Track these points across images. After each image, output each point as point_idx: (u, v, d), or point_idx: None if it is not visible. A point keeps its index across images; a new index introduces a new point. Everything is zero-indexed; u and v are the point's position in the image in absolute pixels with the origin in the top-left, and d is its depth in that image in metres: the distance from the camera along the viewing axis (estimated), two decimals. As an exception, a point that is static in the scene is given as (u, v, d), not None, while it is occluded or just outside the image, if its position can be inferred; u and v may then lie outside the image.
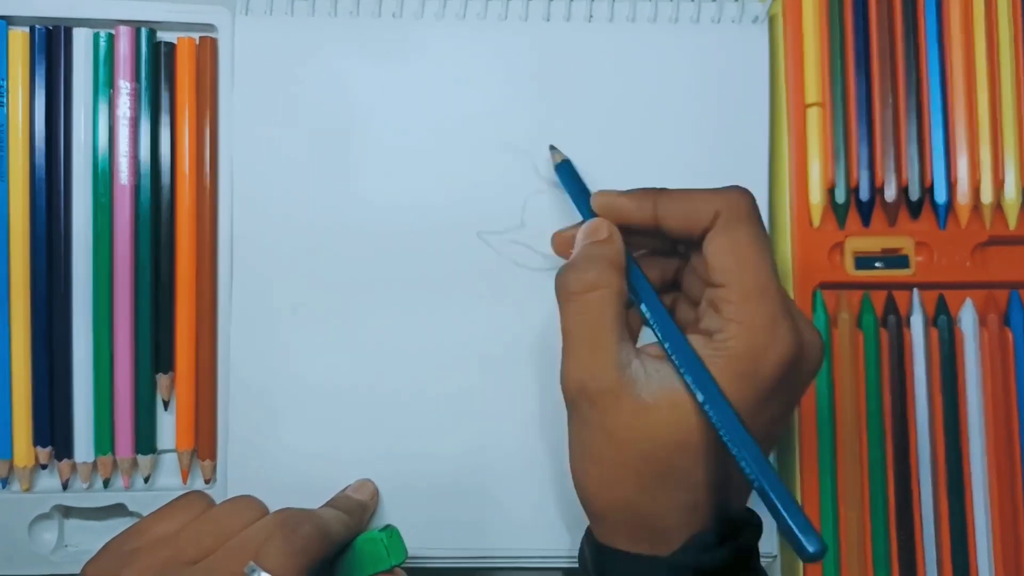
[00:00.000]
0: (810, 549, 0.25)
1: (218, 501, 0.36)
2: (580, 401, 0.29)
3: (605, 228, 0.32)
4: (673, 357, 0.29)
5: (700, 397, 0.28)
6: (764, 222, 0.30)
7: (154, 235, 0.39)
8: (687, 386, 0.28)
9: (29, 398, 0.38)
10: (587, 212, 0.34)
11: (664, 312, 0.30)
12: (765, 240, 0.29)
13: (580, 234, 0.33)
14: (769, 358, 0.28)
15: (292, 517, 0.32)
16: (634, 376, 0.29)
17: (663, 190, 0.32)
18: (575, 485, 0.31)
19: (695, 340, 0.29)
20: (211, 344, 0.39)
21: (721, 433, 0.27)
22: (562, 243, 0.36)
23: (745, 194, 0.30)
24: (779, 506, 0.26)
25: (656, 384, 0.28)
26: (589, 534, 0.32)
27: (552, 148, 0.38)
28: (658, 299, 0.31)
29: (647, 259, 0.34)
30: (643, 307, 0.31)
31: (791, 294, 0.39)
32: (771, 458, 0.39)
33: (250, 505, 0.34)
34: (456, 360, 0.38)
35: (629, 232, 0.32)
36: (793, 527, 0.26)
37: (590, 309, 0.29)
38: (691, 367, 0.28)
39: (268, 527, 0.32)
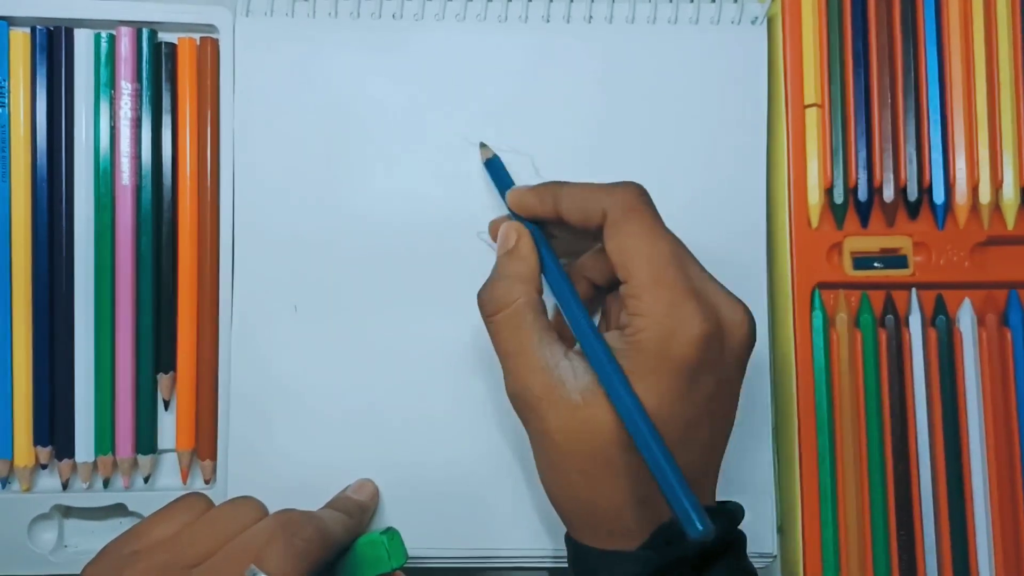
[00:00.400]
0: (691, 534, 0.26)
1: (218, 501, 0.36)
2: (522, 411, 0.31)
3: (514, 234, 0.33)
4: (584, 352, 0.29)
5: (604, 388, 0.28)
6: (657, 211, 0.31)
7: (155, 235, 0.39)
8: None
9: (30, 398, 0.38)
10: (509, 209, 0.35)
11: (576, 308, 0.31)
12: (656, 230, 0.30)
13: (498, 241, 0.34)
14: (677, 344, 0.28)
15: (294, 520, 0.31)
16: (562, 377, 0.29)
17: (563, 185, 0.33)
18: (545, 492, 0.32)
19: (613, 336, 0.30)
20: (212, 344, 0.39)
21: (623, 418, 0.28)
22: (496, 232, 0.37)
23: (629, 189, 0.31)
24: (664, 488, 0.27)
25: (585, 381, 0.29)
26: (568, 538, 0.32)
27: (482, 145, 0.38)
28: (572, 295, 0.31)
29: (599, 255, 0.34)
30: (560, 305, 0.31)
31: (789, 294, 0.39)
32: (770, 471, 0.39)
33: (250, 506, 0.34)
34: (455, 359, 0.38)
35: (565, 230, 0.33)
36: (675, 509, 0.26)
37: (507, 326, 0.31)
38: (596, 359, 0.29)
39: (269, 530, 0.31)
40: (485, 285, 0.32)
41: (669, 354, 0.28)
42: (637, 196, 0.31)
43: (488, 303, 0.31)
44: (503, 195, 0.36)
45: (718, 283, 0.31)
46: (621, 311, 0.30)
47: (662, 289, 0.29)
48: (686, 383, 0.28)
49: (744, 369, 0.31)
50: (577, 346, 0.31)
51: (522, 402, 0.30)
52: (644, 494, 0.29)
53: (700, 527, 0.26)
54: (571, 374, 0.29)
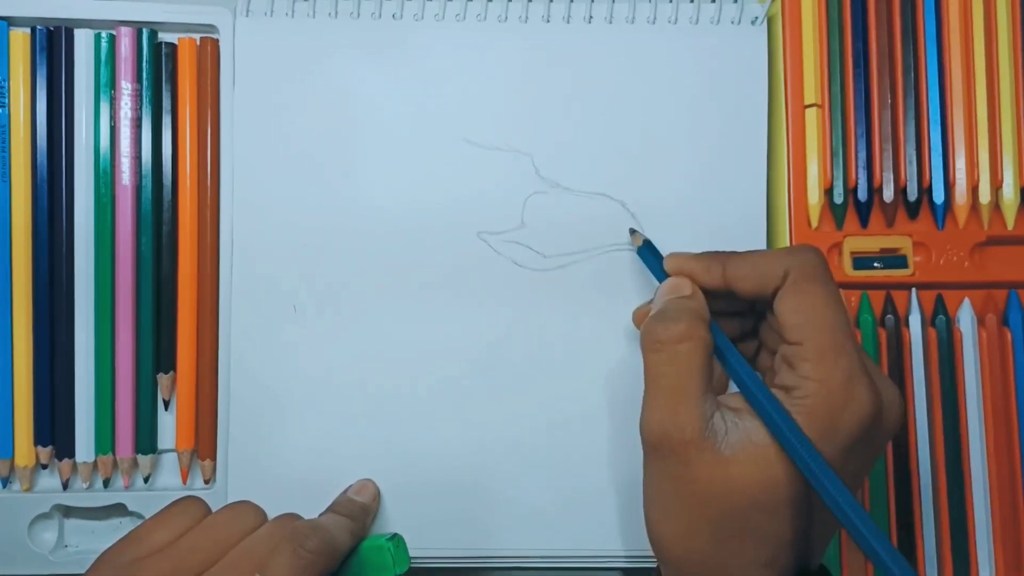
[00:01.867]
0: None
1: (219, 501, 0.36)
2: (662, 450, 0.29)
3: (688, 285, 0.32)
4: (761, 407, 0.28)
5: (793, 444, 0.27)
6: (832, 278, 0.30)
7: (155, 235, 0.39)
8: (771, 439, 0.28)
9: (30, 397, 0.38)
10: (664, 278, 0.34)
11: (747, 366, 0.30)
12: (837, 297, 0.29)
13: (662, 290, 0.33)
14: (847, 417, 0.28)
15: (299, 530, 0.31)
16: (715, 429, 0.28)
17: (731, 253, 0.32)
18: (649, 532, 0.31)
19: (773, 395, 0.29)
20: (212, 344, 0.39)
21: (813, 480, 0.27)
22: (642, 318, 0.35)
23: (814, 253, 0.30)
24: (881, 555, 0.26)
25: (736, 437, 0.28)
26: None
27: (632, 231, 0.38)
28: (740, 354, 0.31)
29: (721, 318, 0.34)
30: (728, 361, 0.31)
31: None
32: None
33: (249, 512, 0.33)
34: (456, 360, 0.38)
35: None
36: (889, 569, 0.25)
37: (679, 360, 0.29)
38: (781, 417, 0.28)
39: (273, 539, 0.31)
40: (658, 315, 0.30)
41: (837, 424, 0.28)
42: (820, 260, 0.30)
43: (664, 331, 0.29)
44: (655, 269, 0.35)
45: (873, 361, 0.30)
46: (780, 371, 0.29)
47: (841, 359, 0.28)
48: (844, 456, 0.28)
49: (886, 448, 0.31)
50: (725, 399, 0.30)
51: (665, 440, 0.29)
52: (770, 557, 0.28)
53: None
54: (723, 428, 0.28)
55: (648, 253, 0.36)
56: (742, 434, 0.28)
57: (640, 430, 0.30)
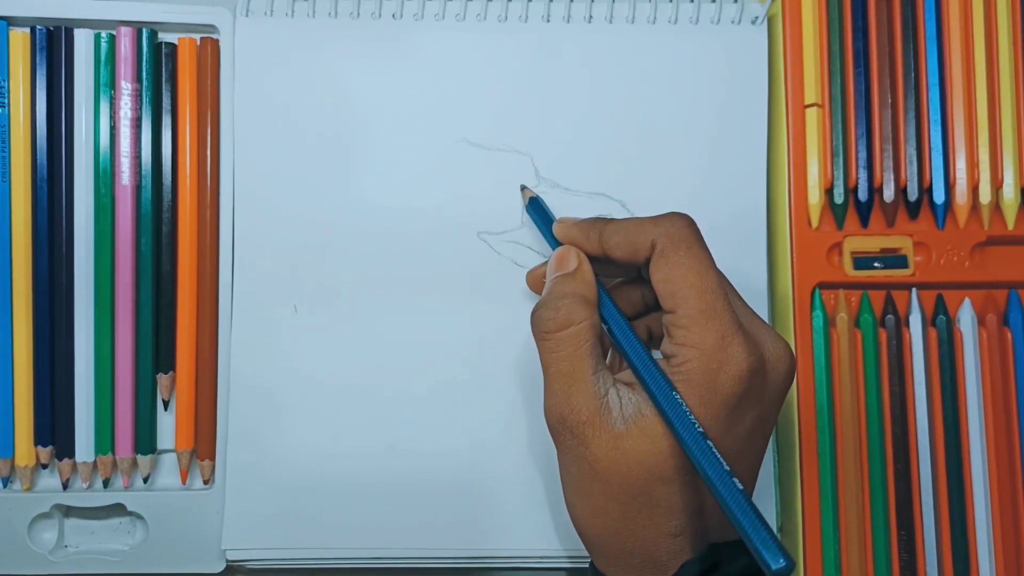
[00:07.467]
0: (772, 566, 0.25)
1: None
2: (562, 433, 0.30)
3: (573, 257, 0.33)
4: (643, 380, 0.29)
5: (668, 416, 0.28)
6: (706, 242, 0.30)
7: (155, 235, 0.39)
8: (657, 410, 0.28)
9: (30, 397, 0.38)
10: (554, 243, 0.34)
11: (633, 337, 0.30)
12: (706, 262, 0.30)
13: (550, 265, 0.33)
14: (724, 378, 0.28)
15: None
16: (610, 406, 0.29)
17: (608, 221, 0.32)
18: (570, 517, 0.31)
19: (659, 365, 0.29)
20: (212, 344, 0.39)
21: (687, 451, 0.27)
22: (535, 281, 0.37)
23: (680, 219, 0.30)
24: (741, 520, 0.26)
25: (630, 411, 0.29)
26: (592, 567, 0.32)
27: (522, 187, 0.38)
28: (627, 325, 0.31)
29: (629, 285, 0.34)
30: (612, 334, 0.31)
31: (790, 294, 0.39)
32: (770, 470, 0.39)
33: None
34: (456, 360, 0.38)
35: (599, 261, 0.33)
36: (755, 542, 0.25)
37: (563, 346, 0.30)
38: (659, 388, 0.28)
39: None
40: (545, 303, 0.31)
41: (715, 386, 0.28)
42: (687, 226, 0.30)
43: (549, 321, 0.30)
44: (546, 233, 0.35)
45: (760, 318, 0.31)
46: (663, 341, 0.30)
47: (713, 321, 0.28)
48: (730, 417, 0.28)
49: (781, 404, 0.31)
50: (621, 375, 0.30)
51: (565, 424, 0.29)
52: (678, 528, 0.29)
53: (783, 561, 0.24)
54: (617, 403, 0.29)
55: (536, 214, 0.36)
56: (634, 408, 0.29)
57: (544, 418, 0.31)
